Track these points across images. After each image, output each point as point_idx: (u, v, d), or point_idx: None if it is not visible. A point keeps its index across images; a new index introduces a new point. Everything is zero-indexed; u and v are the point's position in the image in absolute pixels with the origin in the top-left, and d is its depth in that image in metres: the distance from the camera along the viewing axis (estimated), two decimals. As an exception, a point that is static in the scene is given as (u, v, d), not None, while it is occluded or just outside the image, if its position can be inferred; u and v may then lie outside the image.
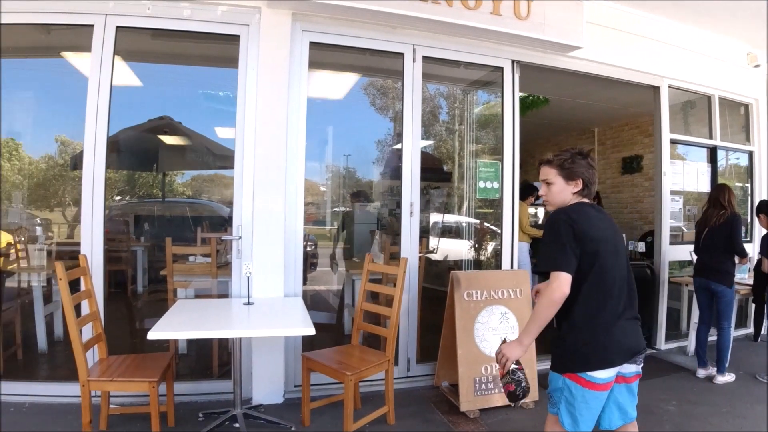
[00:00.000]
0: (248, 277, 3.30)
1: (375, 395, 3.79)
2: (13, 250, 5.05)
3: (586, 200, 2.21)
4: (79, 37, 3.84)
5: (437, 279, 5.21)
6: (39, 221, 6.49)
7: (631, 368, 2.15)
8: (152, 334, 2.64)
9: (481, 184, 4.47)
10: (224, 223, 6.11)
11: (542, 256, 2.13)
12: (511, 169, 4.44)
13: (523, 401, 2.30)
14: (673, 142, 5.28)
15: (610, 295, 2.06)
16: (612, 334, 2.05)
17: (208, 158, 5.99)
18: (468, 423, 3.47)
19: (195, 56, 4.92)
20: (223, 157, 5.71)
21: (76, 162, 5.76)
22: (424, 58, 4.17)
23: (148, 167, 6.86)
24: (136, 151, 5.90)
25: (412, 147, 4.11)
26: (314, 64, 3.98)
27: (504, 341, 2.18)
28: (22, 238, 5.30)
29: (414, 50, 4.13)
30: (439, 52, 4.23)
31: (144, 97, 5.37)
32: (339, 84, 5.41)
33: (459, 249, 5.62)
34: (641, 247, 5.52)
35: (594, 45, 4.47)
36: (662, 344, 5.16)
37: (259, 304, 3.38)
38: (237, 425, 3.22)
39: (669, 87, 5.21)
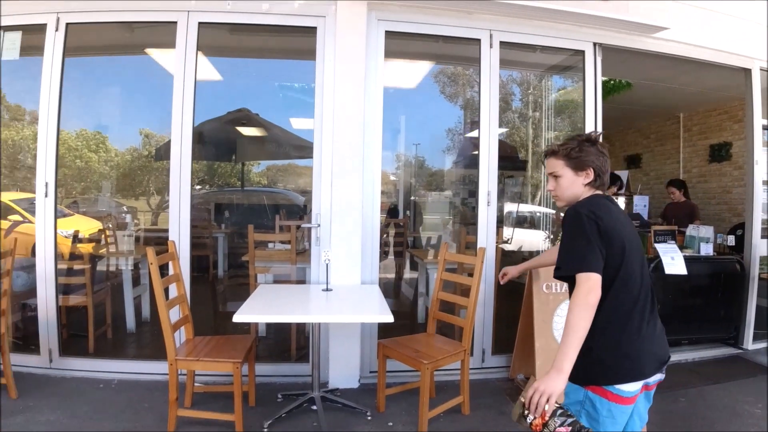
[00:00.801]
0: (327, 264, 3.36)
1: (449, 385, 3.77)
2: (102, 236, 5.40)
3: (599, 192, 1.97)
4: (162, 33, 4.02)
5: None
6: (125, 209, 6.90)
7: (657, 376, 1.89)
8: (237, 317, 2.75)
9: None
10: (299, 211, 6.26)
11: (566, 256, 1.82)
12: (593, 157, 4.26)
13: None
14: (766, 128, 4.90)
15: (636, 299, 1.81)
16: (642, 343, 1.80)
17: (284, 148, 6.15)
18: (543, 417, 3.39)
19: (272, 50, 5.04)
20: (299, 147, 5.84)
21: (161, 153, 6.06)
22: (501, 43, 4.06)
23: (227, 158, 7.13)
24: (216, 142, 6.14)
25: (490, 135, 4.03)
26: (388, 53, 3.97)
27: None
28: (110, 225, 5.64)
29: (491, 36, 4.03)
30: (516, 37, 4.10)
31: (223, 91, 5.57)
32: (410, 73, 5.39)
33: (533, 240, 5.49)
34: (730, 240, 5.18)
35: (680, 25, 4.21)
36: (749, 344, 4.80)
37: (337, 290, 3.44)
38: (315, 407, 3.30)
39: (761, 69, 4.82)
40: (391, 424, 3.25)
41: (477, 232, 4.06)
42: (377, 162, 3.86)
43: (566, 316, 1.73)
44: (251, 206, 7.05)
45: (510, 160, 6.09)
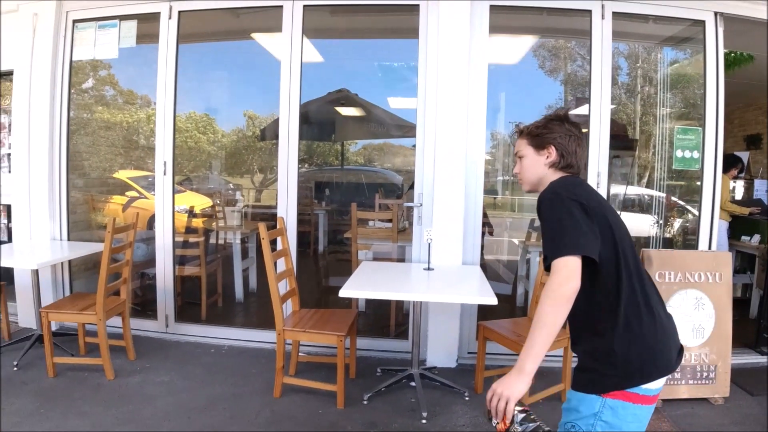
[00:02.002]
0: (429, 243, 3.37)
1: (548, 371, 3.68)
2: (213, 212, 5.75)
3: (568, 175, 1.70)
4: (267, 18, 4.15)
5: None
6: (231, 186, 7.30)
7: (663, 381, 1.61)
8: (343, 292, 2.83)
9: (678, 153, 4.03)
10: (397, 190, 6.31)
11: (551, 244, 1.50)
12: (714, 136, 3.93)
13: None
14: None
15: (643, 286, 1.54)
16: (664, 332, 1.54)
17: (383, 128, 6.20)
18: (649, 406, 3.23)
19: (372, 29, 5.07)
20: (397, 127, 5.87)
21: (265, 133, 6.33)
22: (614, 14, 3.83)
23: (326, 137, 7.32)
24: (317, 122, 6.31)
25: (601, 112, 3.82)
26: (492, 28, 3.86)
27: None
28: (218, 202, 5.99)
29: (603, 6, 3.81)
30: (630, 7, 3.85)
31: (324, 72, 5.69)
32: (512, 48, 5.21)
33: (640, 224, 5.18)
34: None
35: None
36: None
37: (439, 270, 3.45)
38: (413, 384, 3.35)
39: None
40: (489, 407, 3.23)
41: (583, 216, 3.89)
42: (481, 141, 3.81)
43: (537, 309, 1.46)
44: (350, 185, 7.21)
45: (617, 139, 5.76)
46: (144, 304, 4.79)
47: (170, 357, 3.99)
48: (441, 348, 3.80)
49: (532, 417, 1.44)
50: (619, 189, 5.56)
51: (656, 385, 1.52)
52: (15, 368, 3.63)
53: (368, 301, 4.44)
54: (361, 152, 7.89)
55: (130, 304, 3.97)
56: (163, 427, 2.94)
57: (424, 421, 3.00)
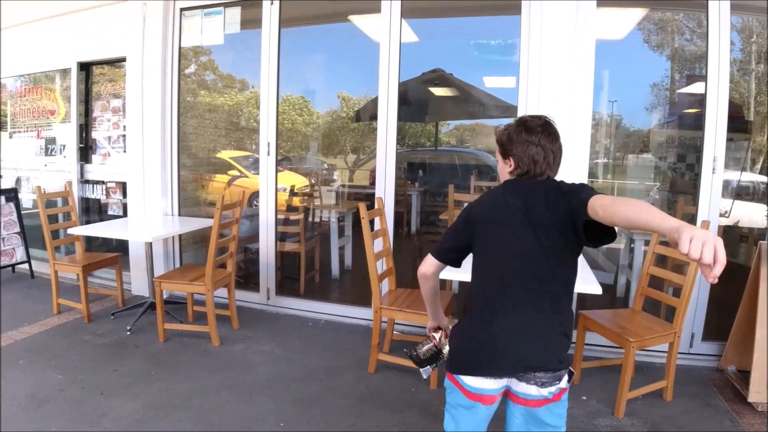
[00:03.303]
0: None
1: (649, 367, 3.53)
2: (310, 191, 5.94)
3: (514, 178, 1.76)
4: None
5: (726, 248, 4.46)
6: (326, 166, 7.49)
7: (530, 389, 1.60)
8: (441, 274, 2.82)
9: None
10: (491, 172, 6.20)
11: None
12: None
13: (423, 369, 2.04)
14: None
15: (496, 287, 1.64)
16: (489, 335, 1.62)
17: (478, 108, 6.08)
18: (754, 416, 2.98)
19: (470, 8, 4.94)
20: (493, 107, 5.73)
21: (359, 115, 6.41)
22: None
23: (419, 118, 7.30)
24: (411, 103, 6.29)
25: (719, 92, 3.51)
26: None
27: None
28: (313, 181, 6.17)
29: (723, -25, 3.49)
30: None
31: (419, 52, 5.64)
32: (618, 22, 4.88)
33: (754, 215, 4.75)
34: None
35: None
36: None
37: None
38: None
39: None
40: (585, 398, 3.14)
41: (697, 203, 3.62)
42: (586, 122, 3.61)
43: None
44: (442, 166, 7.16)
45: (731, 121, 5.29)
46: (246, 277, 5.06)
47: (271, 328, 4.20)
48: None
49: (430, 342, 2.00)
50: (733, 175, 5.12)
51: (471, 382, 1.63)
52: (128, 332, 3.97)
53: (462, 284, 4.41)
54: (453, 133, 7.78)
55: (234, 277, 4.19)
56: (264, 393, 3.11)
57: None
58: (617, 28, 4.97)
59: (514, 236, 1.62)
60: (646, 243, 3.97)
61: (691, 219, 3.62)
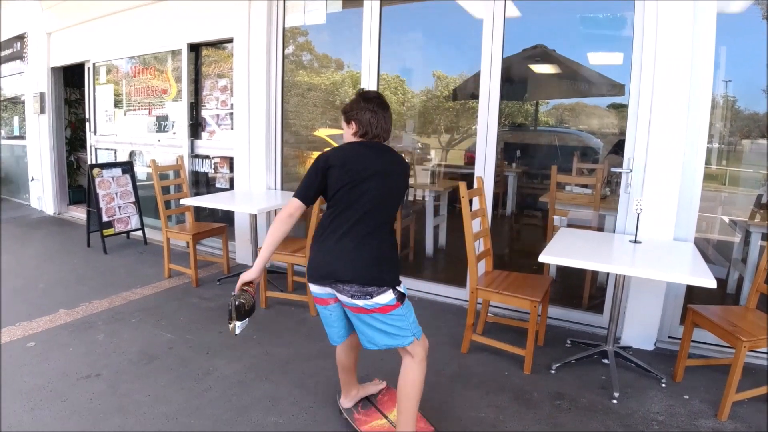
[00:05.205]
0: (638, 214, 3.11)
1: (757, 369, 3.25)
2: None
3: (362, 140, 2.20)
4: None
5: None
6: (419, 145, 7.47)
7: (345, 298, 2.09)
8: (544, 258, 2.75)
9: None
10: (593, 154, 5.92)
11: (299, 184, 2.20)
12: None
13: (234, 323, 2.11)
14: None
15: (340, 220, 2.08)
16: (319, 252, 2.13)
17: (582, 86, 5.78)
18: None
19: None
20: (598, 85, 5.43)
21: (457, 94, 6.32)
22: None
23: (518, 97, 7.08)
24: (510, 81, 6.09)
25: None
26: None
27: None
28: (409, 160, 6.17)
29: None
30: None
31: (520, 28, 5.42)
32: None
33: None
34: None
35: None
36: None
37: (646, 243, 3.17)
38: (605, 361, 3.20)
39: None
40: (687, 397, 2.95)
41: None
42: (705, 102, 3.29)
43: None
44: (541, 147, 6.91)
45: None
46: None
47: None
48: (639, 328, 3.53)
49: (244, 292, 2.12)
50: None
51: (313, 288, 2.20)
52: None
53: (559, 269, 4.28)
54: (552, 112, 7.46)
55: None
56: (360, 364, 3.20)
57: (614, 402, 2.84)
58: (736, 1, 4.52)
59: (375, 182, 2.07)
60: (764, 237, 3.64)
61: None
